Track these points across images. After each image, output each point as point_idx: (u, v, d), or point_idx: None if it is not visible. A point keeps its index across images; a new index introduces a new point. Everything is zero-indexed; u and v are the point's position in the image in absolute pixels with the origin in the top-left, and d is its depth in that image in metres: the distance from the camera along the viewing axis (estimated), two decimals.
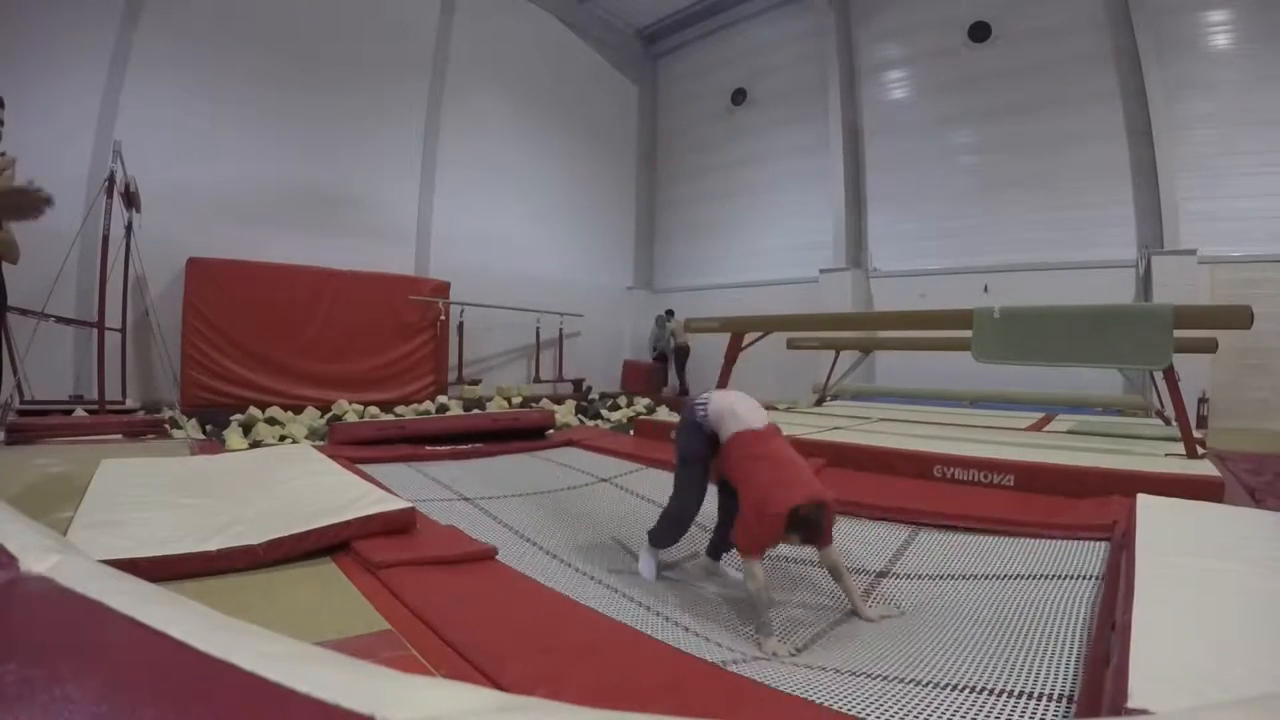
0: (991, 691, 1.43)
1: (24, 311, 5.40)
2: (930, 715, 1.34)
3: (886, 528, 2.93)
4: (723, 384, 6.43)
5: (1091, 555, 2.36)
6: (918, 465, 3.67)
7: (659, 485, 3.91)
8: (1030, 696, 1.39)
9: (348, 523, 2.13)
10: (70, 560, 0.73)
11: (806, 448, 4.24)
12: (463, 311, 9.54)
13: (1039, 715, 1.30)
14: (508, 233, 10.58)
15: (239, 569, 1.86)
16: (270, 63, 8.16)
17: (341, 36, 8.85)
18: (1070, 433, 4.89)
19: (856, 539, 2.81)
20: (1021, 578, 2.27)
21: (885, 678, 1.55)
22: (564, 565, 2.54)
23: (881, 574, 2.49)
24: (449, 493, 3.54)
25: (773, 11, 11.38)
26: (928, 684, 1.49)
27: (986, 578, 2.32)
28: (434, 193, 9.78)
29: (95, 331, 5.91)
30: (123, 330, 6.34)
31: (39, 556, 0.72)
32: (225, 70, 7.75)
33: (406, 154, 9.56)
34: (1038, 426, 5.47)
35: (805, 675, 1.58)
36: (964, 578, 2.35)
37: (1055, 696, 1.38)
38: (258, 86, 8.04)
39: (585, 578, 2.40)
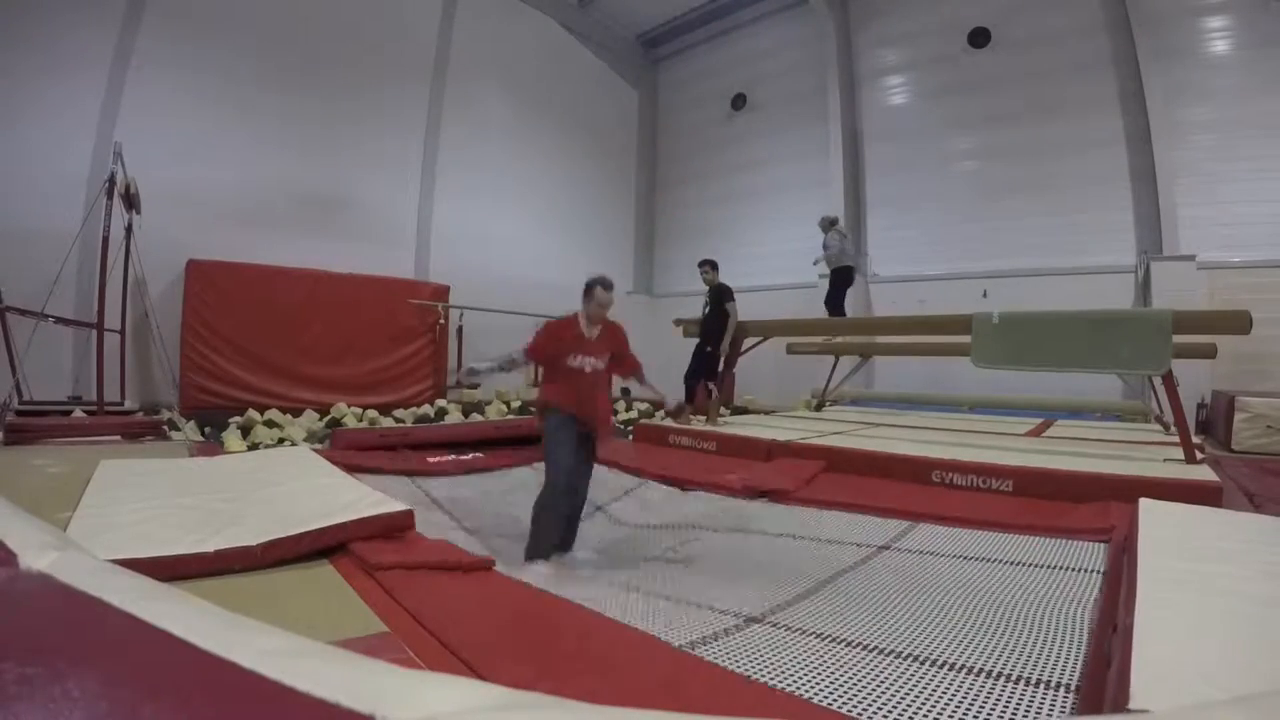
0: (993, 674, 1.45)
1: (24, 312, 5.40)
2: (927, 696, 1.35)
3: (886, 519, 3.05)
4: (722, 387, 6.43)
5: (1091, 554, 2.42)
6: (916, 470, 3.68)
7: (654, 490, 3.95)
8: (1033, 683, 1.40)
9: (345, 524, 2.12)
10: (69, 557, 0.73)
11: (806, 452, 4.26)
12: (462, 315, 9.53)
13: (1043, 704, 1.30)
14: (507, 236, 10.58)
15: (236, 570, 1.85)
16: (272, 66, 8.17)
17: (343, 40, 8.86)
18: (1069, 438, 4.90)
19: (856, 525, 2.97)
20: (1022, 564, 2.35)
21: (881, 650, 1.60)
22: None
23: (883, 548, 2.62)
24: (443, 498, 3.55)
25: (773, 17, 11.41)
26: (926, 661, 1.51)
27: (987, 560, 2.42)
28: (434, 196, 9.78)
29: (94, 333, 5.89)
30: (122, 332, 6.32)
31: (38, 553, 0.72)
32: (226, 73, 7.75)
33: (407, 158, 9.56)
34: (1036, 432, 5.48)
35: (798, 649, 1.61)
36: (965, 558, 2.45)
37: (1057, 685, 1.39)
38: (259, 89, 8.05)
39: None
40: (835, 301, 7.53)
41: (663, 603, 2.05)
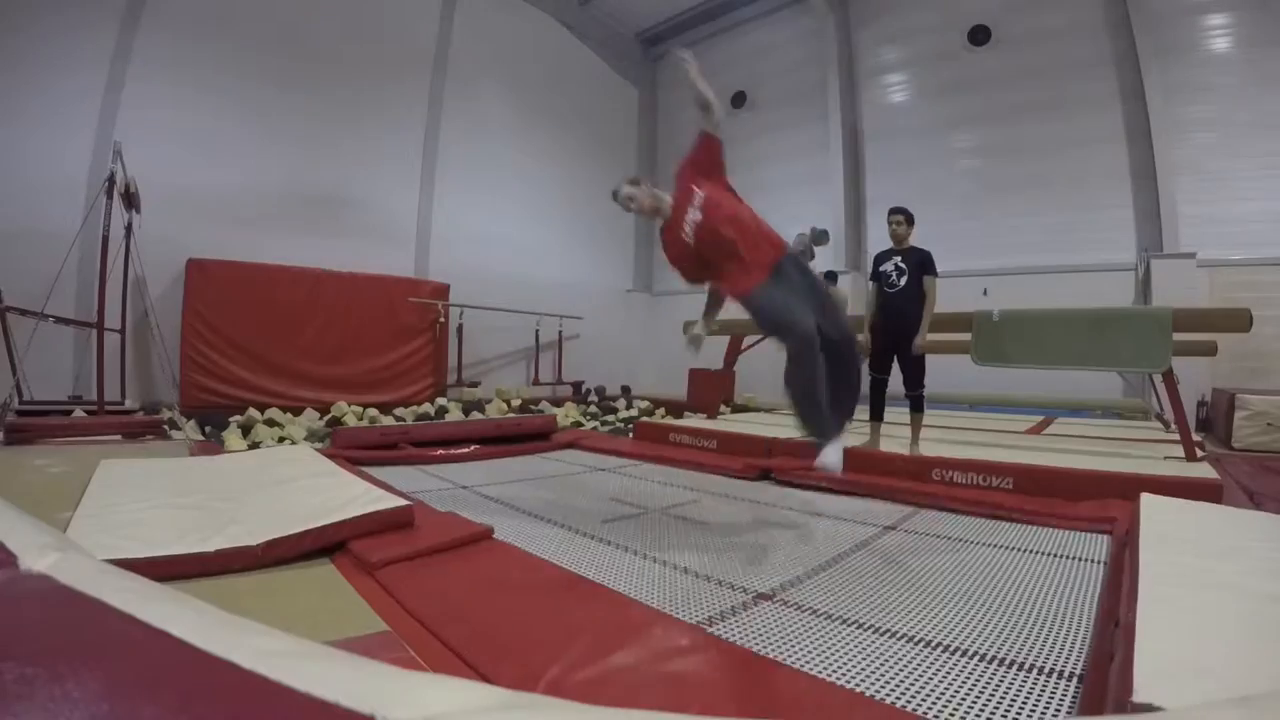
0: (999, 660, 1.46)
1: (24, 311, 5.40)
2: (939, 682, 1.36)
3: (889, 505, 3.17)
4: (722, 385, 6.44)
5: (1093, 545, 2.44)
6: (916, 468, 3.68)
7: (658, 473, 4.01)
8: (1038, 671, 1.41)
9: (344, 522, 2.12)
10: (70, 558, 0.73)
11: (807, 450, 4.27)
12: (462, 313, 9.53)
13: (1046, 692, 1.31)
14: (507, 235, 10.58)
15: (237, 570, 1.85)
16: (271, 64, 8.15)
17: (342, 38, 8.85)
18: (1069, 436, 4.90)
19: (861, 507, 3.10)
20: (1026, 551, 2.40)
21: (885, 631, 1.63)
22: (556, 526, 2.67)
23: (889, 528, 2.70)
24: (447, 483, 3.59)
25: (772, 15, 11.39)
26: (936, 645, 1.53)
27: (991, 545, 2.47)
28: (434, 194, 9.77)
29: (95, 332, 5.89)
30: (122, 331, 6.32)
31: (38, 554, 0.72)
32: (226, 71, 7.74)
33: (407, 156, 9.55)
34: (1037, 430, 5.48)
35: (801, 628, 1.64)
36: (969, 542, 2.51)
37: (1061, 674, 1.40)
38: (258, 87, 8.04)
39: (578, 534, 2.54)
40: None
41: (669, 572, 2.09)
